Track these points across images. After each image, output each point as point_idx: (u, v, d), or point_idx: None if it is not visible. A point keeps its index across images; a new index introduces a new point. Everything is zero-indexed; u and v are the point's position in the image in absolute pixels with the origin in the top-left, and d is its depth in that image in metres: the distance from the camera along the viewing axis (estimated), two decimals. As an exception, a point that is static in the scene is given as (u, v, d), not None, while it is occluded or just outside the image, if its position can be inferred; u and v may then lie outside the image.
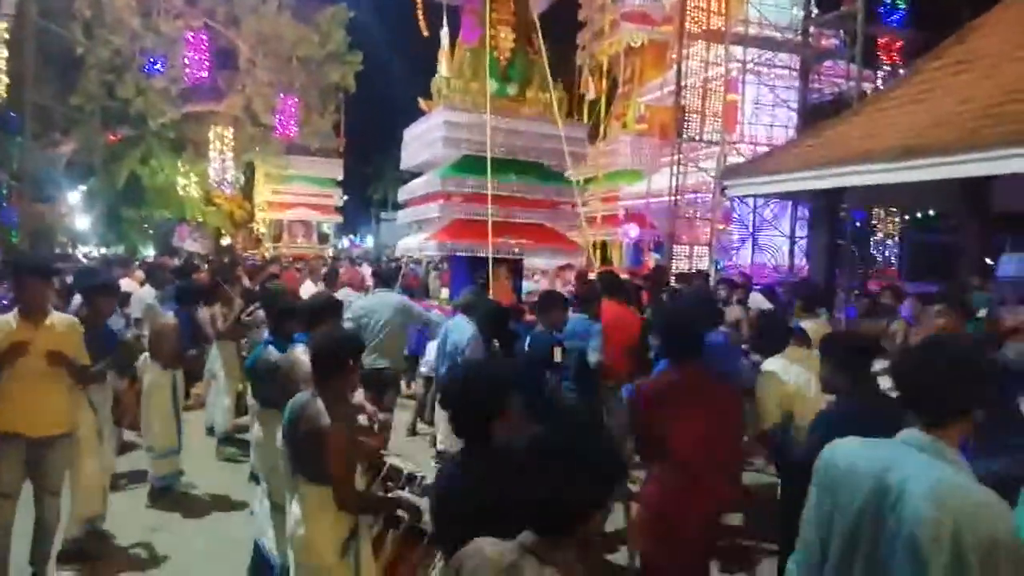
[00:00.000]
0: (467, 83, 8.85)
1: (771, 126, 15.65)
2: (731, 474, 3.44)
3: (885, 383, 4.80)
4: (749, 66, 14.80)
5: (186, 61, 19.49)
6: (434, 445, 5.85)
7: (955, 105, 8.22)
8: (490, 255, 8.15)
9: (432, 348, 7.51)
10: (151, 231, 25.57)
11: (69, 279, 9.17)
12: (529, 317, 6.81)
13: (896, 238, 18.95)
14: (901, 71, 15.30)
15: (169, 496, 5.61)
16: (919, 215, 20.51)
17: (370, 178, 45.11)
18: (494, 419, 2.28)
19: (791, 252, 15.52)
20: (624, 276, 10.46)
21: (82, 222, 21.41)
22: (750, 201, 15.20)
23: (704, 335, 3.64)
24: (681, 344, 3.41)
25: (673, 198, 14.41)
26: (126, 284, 8.27)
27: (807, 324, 5.66)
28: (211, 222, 24.71)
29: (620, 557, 4.74)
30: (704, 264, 14.47)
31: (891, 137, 8.54)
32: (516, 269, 9.09)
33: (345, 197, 28.36)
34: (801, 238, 15.20)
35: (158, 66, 19.63)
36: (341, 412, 3.01)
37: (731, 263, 15.53)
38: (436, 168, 9.07)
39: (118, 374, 5.10)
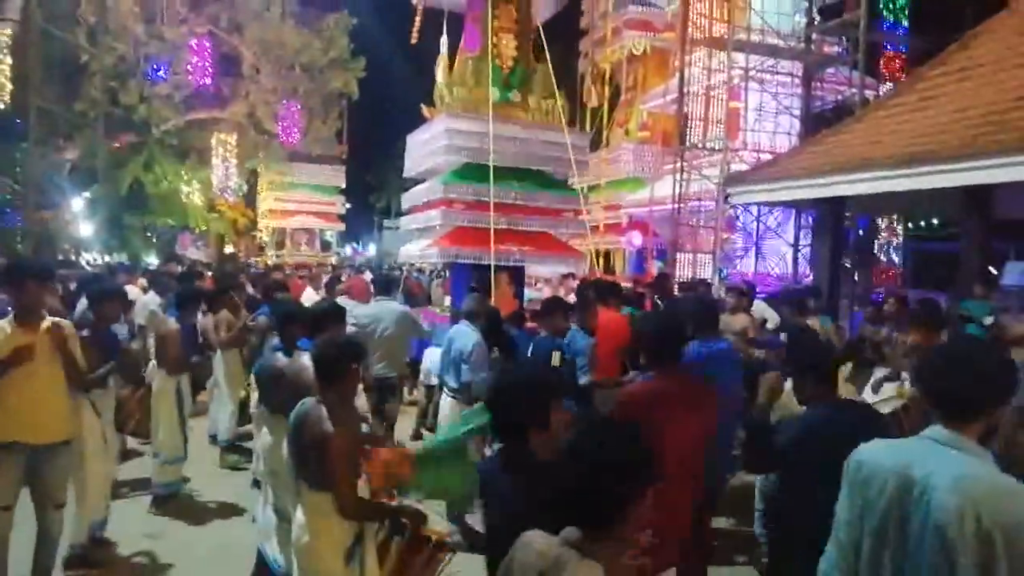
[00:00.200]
0: (470, 90, 8.88)
1: (774, 133, 15.63)
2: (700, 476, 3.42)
3: (888, 390, 4.82)
4: (752, 73, 14.80)
5: (189, 68, 19.54)
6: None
7: (957, 112, 8.23)
8: (492, 262, 8.16)
9: (430, 355, 7.52)
10: (154, 239, 25.62)
11: (73, 286, 9.21)
12: (530, 324, 6.82)
13: (898, 245, 18.90)
14: (904, 77, 15.30)
15: (172, 503, 5.61)
16: (922, 223, 20.52)
17: (372, 186, 45.15)
18: (537, 423, 2.33)
19: (795, 260, 15.50)
20: (627, 284, 10.48)
21: (85, 229, 21.42)
22: (753, 209, 15.16)
23: (683, 342, 3.62)
24: (658, 351, 3.41)
25: (676, 206, 14.40)
26: (130, 291, 8.27)
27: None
28: (214, 230, 24.74)
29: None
30: (708, 272, 14.46)
31: (893, 144, 8.55)
32: (518, 277, 9.11)
33: (348, 205, 28.37)
34: (805, 246, 15.17)
35: (161, 72, 19.70)
36: (344, 417, 3.01)
37: (735, 271, 15.50)
38: (438, 175, 9.09)
39: (123, 381, 5.09)
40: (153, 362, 5.80)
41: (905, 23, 17.25)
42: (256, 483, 5.38)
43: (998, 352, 2.21)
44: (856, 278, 14.23)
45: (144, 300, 8.16)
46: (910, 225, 20.02)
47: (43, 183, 17.93)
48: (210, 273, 12.67)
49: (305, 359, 3.90)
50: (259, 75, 21.12)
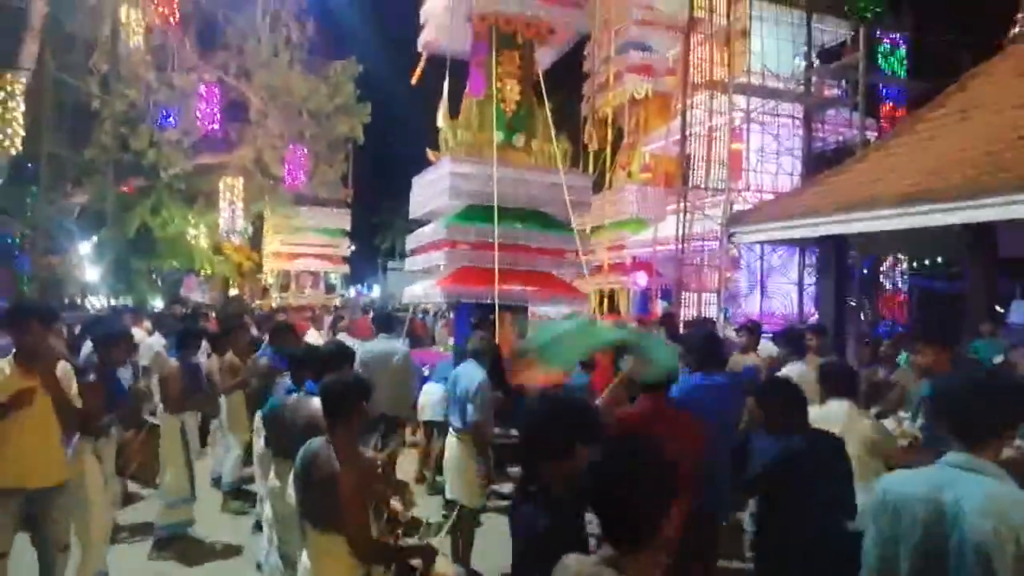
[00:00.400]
0: (474, 134, 9.01)
1: (776, 174, 15.73)
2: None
3: (890, 424, 4.87)
4: (753, 115, 14.96)
5: (198, 114, 19.83)
6: (442, 493, 5.81)
7: (958, 151, 8.29)
8: (496, 301, 8.18)
9: (428, 392, 7.50)
10: (159, 282, 25.73)
11: (77, 329, 9.24)
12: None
13: (904, 271, 18.85)
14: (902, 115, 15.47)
15: (173, 547, 5.53)
16: (926, 262, 20.50)
17: (377, 228, 45.46)
18: (564, 455, 2.38)
19: (800, 299, 15.48)
20: (632, 324, 10.45)
21: (92, 273, 21.53)
22: (757, 248, 15.20)
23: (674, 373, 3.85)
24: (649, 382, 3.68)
25: (680, 246, 14.45)
26: (136, 334, 8.29)
27: (791, 368, 5.68)
28: (219, 272, 24.84)
29: None
30: (712, 311, 14.43)
31: (895, 183, 8.60)
32: (521, 317, 9.10)
33: (352, 247, 28.52)
34: (809, 285, 15.17)
35: (171, 119, 20.00)
36: (352, 455, 2.99)
37: (740, 310, 15.47)
38: (443, 217, 9.17)
39: (123, 427, 5.07)
40: (160, 404, 5.80)
41: (902, 74, 17.54)
42: (258, 526, 5.33)
43: (1009, 377, 2.37)
44: (862, 316, 14.18)
45: (149, 342, 8.20)
46: (914, 264, 20.00)
47: (52, 228, 18.07)
48: (213, 315, 12.70)
49: (315, 401, 3.88)
50: (266, 120, 21.41)
